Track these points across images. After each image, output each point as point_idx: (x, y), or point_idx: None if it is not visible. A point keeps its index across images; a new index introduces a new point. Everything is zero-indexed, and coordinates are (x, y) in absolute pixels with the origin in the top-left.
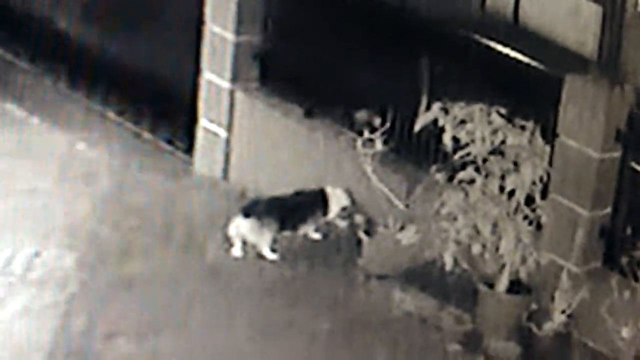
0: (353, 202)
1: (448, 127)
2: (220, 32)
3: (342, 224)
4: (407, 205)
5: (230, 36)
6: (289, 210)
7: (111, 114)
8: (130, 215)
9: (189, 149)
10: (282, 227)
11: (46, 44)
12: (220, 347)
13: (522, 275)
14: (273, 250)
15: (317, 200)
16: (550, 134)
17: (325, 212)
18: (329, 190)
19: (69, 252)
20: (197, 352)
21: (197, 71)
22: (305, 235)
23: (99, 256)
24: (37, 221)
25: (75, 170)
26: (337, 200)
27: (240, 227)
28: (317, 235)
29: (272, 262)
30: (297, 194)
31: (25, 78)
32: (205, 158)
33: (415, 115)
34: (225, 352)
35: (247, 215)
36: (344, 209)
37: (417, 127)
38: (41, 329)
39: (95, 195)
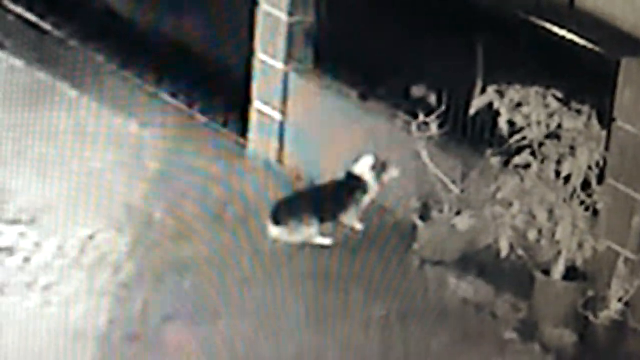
0: (378, 160)
1: (504, 111)
2: (273, 12)
3: (373, 180)
4: (462, 190)
5: (283, 17)
6: (324, 201)
7: (164, 96)
8: (184, 197)
9: (243, 132)
10: (321, 219)
11: (99, 23)
12: (275, 332)
13: (579, 262)
14: (324, 235)
15: (351, 183)
16: (606, 118)
17: (364, 190)
18: (356, 169)
19: (123, 235)
20: (253, 336)
21: (250, 52)
22: (351, 227)
23: (154, 239)
24: (90, 204)
25: (128, 152)
26: (365, 169)
27: (277, 235)
28: (359, 226)
29: (327, 246)
30: (331, 183)
31: (78, 58)
32: (259, 141)
33: (470, 98)
34: (279, 337)
35: (277, 222)
36: (373, 167)
37: (472, 111)
38: (96, 313)
39: (149, 178)
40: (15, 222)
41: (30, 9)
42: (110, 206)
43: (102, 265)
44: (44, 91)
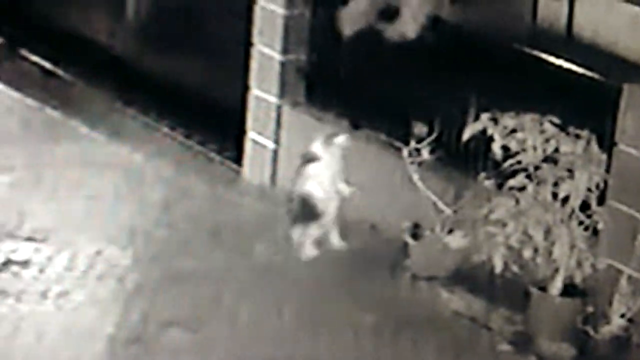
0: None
1: (497, 137)
2: (267, 51)
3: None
4: (454, 211)
5: (277, 55)
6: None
7: (165, 129)
8: (183, 218)
9: (238, 160)
10: None
11: (104, 67)
12: (268, 338)
13: (577, 279)
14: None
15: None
16: (607, 143)
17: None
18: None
19: (127, 251)
20: (246, 341)
21: (245, 88)
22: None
23: (155, 255)
24: (98, 223)
25: (132, 179)
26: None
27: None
28: (339, 244)
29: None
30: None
31: (86, 98)
32: (254, 168)
33: (463, 125)
34: (272, 342)
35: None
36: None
37: (465, 137)
38: (103, 318)
39: (151, 201)
40: (30, 239)
41: (43, 57)
42: (115, 226)
43: (108, 277)
44: (56, 127)
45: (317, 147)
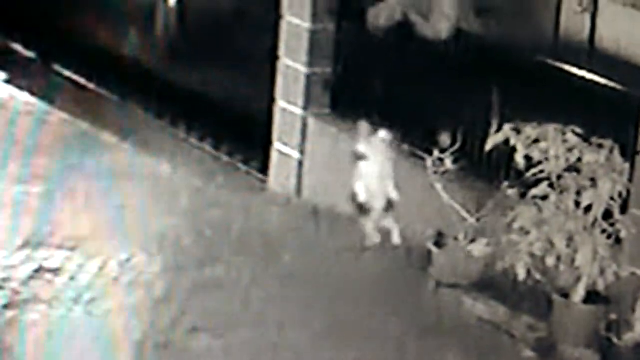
0: None
1: (520, 147)
2: (293, 65)
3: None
4: (477, 219)
5: (302, 68)
6: None
7: (193, 140)
8: (210, 227)
9: (264, 170)
10: None
11: (135, 80)
12: (295, 344)
13: (600, 286)
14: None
15: None
16: (630, 152)
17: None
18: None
19: (156, 258)
20: (271, 347)
21: (271, 100)
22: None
23: (183, 262)
24: (128, 232)
25: (161, 189)
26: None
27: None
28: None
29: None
30: None
31: (118, 110)
32: (280, 178)
33: (486, 135)
34: (299, 349)
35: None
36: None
37: (487, 147)
38: (132, 324)
39: (179, 210)
40: (62, 247)
41: (76, 71)
42: (144, 234)
43: (137, 284)
44: (88, 139)
45: (361, 146)
